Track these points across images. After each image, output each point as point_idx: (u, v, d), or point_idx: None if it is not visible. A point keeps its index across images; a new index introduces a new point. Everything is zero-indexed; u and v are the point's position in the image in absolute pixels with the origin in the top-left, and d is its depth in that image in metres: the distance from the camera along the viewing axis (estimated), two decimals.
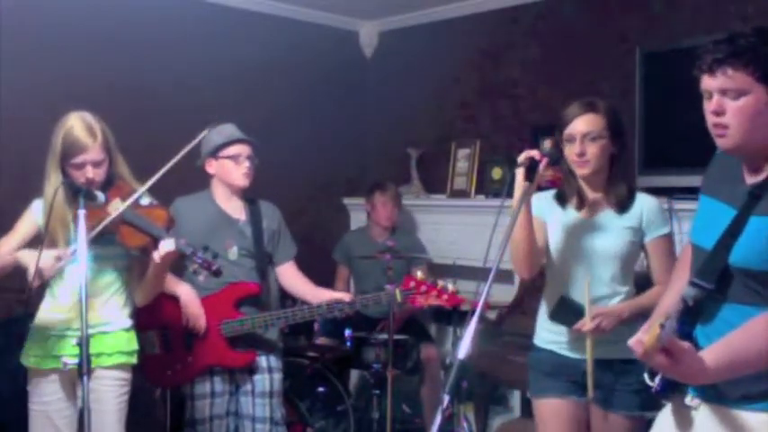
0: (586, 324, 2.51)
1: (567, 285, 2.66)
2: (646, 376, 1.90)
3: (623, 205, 2.62)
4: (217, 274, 2.91)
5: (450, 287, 3.34)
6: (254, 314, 3.31)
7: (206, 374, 3.31)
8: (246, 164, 3.35)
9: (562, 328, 2.64)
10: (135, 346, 2.90)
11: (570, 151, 2.58)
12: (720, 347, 1.74)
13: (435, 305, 3.40)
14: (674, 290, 2.02)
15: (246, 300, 3.33)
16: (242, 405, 3.37)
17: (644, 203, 2.65)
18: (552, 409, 2.68)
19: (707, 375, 1.71)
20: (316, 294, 3.42)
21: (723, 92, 1.79)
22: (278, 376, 3.43)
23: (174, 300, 3.26)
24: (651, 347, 1.61)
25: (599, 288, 2.62)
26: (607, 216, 2.64)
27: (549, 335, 2.71)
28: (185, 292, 3.26)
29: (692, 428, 1.92)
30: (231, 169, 3.34)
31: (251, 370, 3.35)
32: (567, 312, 2.59)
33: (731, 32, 1.81)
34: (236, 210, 3.42)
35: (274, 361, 3.42)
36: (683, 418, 1.94)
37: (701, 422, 1.89)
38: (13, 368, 2.90)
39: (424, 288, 3.32)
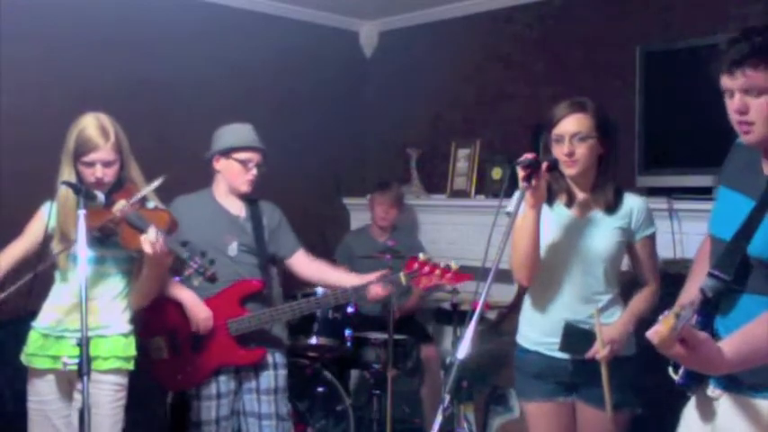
0: (600, 352, 2.51)
1: (555, 284, 2.65)
2: (670, 369, 1.90)
3: (611, 207, 2.63)
4: (212, 280, 2.88)
5: (453, 265, 3.27)
6: (260, 310, 3.31)
7: (211, 375, 3.29)
8: (254, 171, 3.35)
9: (549, 327, 2.64)
10: (133, 352, 2.87)
11: (559, 151, 2.57)
12: (738, 338, 1.75)
13: (441, 284, 3.36)
14: (695, 282, 2.02)
15: (251, 297, 3.33)
16: (246, 403, 3.36)
17: (633, 203, 2.66)
18: (540, 412, 2.70)
19: (725, 365, 1.71)
20: (339, 277, 3.42)
21: (745, 90, 1.79)
22: (283, 372, 3.42)
23: (178, 303, 3.25)
24: (667, 337, 1.61)
25: (589, 287, 2.62)
26: (597, 215, 2.64)
27: (535, 335, 2.70)
28: (189, 298, 3.25)
29: (715, 419, 1.93)
30: (238, 173, 3.34)
31: (256, 367, 3.34)
32: (576, 341, 2.58)
33: (744, 29, 1.80)
34: (235, 207, 3.42)
35: (279, 357, 3.42)
36: (707, 409, 1.96)
37: (724, 412, 1.91)
38: (14, 367, 2.90)
39: (427, 269, 3.26)
